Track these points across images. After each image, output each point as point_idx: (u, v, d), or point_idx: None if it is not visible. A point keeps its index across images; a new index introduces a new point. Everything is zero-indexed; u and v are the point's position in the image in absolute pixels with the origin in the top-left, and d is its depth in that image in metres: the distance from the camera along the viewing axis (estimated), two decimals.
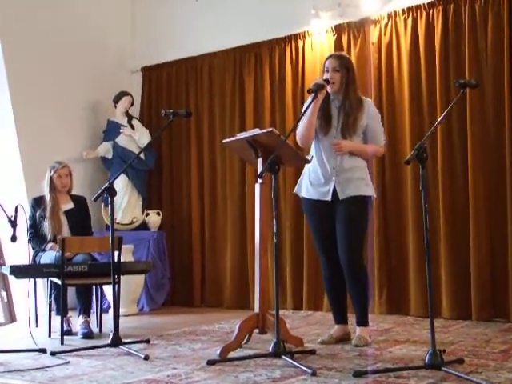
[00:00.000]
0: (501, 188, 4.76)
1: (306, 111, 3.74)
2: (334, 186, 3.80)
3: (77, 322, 4.50)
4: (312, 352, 3.50)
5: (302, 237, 5.56)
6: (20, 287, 4.88)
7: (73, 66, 6.21)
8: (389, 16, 5.29)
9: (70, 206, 4.83)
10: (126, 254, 5.41)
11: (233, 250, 5.99)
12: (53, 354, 3.65)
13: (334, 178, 3.81)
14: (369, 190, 3.87)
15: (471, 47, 4.89)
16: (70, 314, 4.66)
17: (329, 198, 3.82)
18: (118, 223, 6.01)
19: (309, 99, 3.77)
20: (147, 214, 6.23)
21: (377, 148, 3.95)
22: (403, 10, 5.21)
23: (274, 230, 3.38)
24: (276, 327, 3.30)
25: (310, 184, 3.90)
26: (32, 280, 4.54)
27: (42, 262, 4.53)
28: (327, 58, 3.90)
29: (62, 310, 4.32)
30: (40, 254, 4.61)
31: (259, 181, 3.67)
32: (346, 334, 3.91)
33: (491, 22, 4.82)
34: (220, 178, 6.15)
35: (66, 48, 6.17)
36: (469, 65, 4.88)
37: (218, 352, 3.48)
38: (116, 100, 6.32)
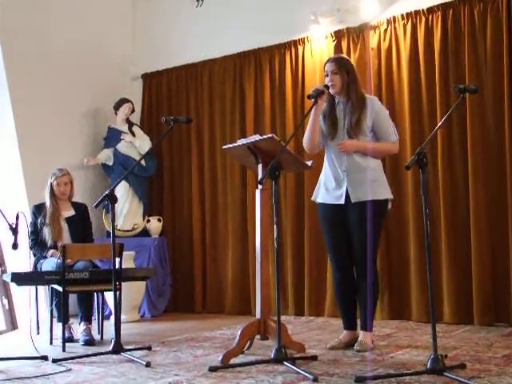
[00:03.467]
0: (501, 192, 4.76)
1: (305, 117, 3.76)
2: (347, 189, 3.80)
3: (78, 328, 4.50)
4: (314, 358, 3.50)
5: (303, 242, 5.56)
6: (21, 294, 4.88)
7: (74, 74, 6.22)
8: (388, 21, 5.30)
9: (71, 212, 4.84)
10: (128, 261, 5.41)
11: (234, 255, 5.99)
12: (54, 361, 3.64)
13: (345, 181, 3.80)
14: (383, 192, 3.82)
15: (470, 52, 4.90)
16: (71, 320, 4.65)
17: (342, 202, 3.81)
18: (119, 230, 6.01)
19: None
20: (148, 221, 6.23)
21: (387, 145, 3.87)
22: (402, 16, 5.22)
23: (275, 236, 3.38)
24: (277, 333, 3.30)
25: (325, 189, 3.90)
26: (33, 287, 4.54)
27: (43, 269, 4.53)
28: (326, 62, 3.92)
29: (64, 317, 4.32)
30: (41, 261, 4.61)
31: (260, 187, 3.67)
32: (355, 338, 3.89)
33: (490, 27, 4.83)
34: (221, 184, 6.16)
35: (67, 55, 6.18)
36: (468, 70, 4.89)
37: (220, 358, 3.47)
38: (116, 107, 6.33)
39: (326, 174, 3.93)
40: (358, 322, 3.93)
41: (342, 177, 3.82)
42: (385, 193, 3.84)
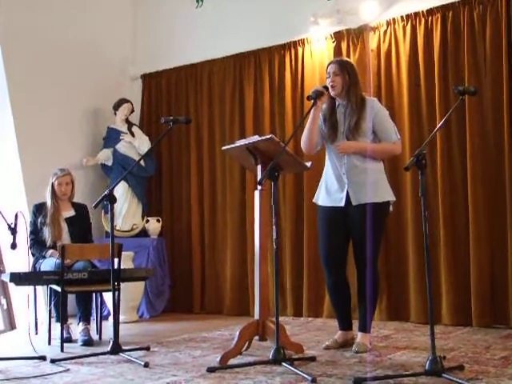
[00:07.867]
0: (500, 193, 4.76)
1: (305, 118, 3.76)
2: (347, 191, 3.80)
3: (77, 329, 4.50)
4: (312, 359, 3.50)
5: (302, 243, 5.56)
6: (20, 294, 4.88)
7: (73, 74, 6.22)
8: (388, 23, 5.31)
9: (71, 213, 4.84)
10: (126, 261, 5.41)
11: (233, 256, 5.99)
12: (52, 361, 3.65)
13: (346, 183, 3.80)
14: (385, 194, 3.82)
15: (470, 54, 4.90)
16: (69, 321, 4.65)
17: (342, 204, 3.80)
18: (118, 230, 6.01)
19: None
20: (147, 221, 6.23)
21: (388, 146, 3.85)
22: (402, 17, 5.23)
23: (274, 237, 3.38)
24: (276, 334, 3.30)
25: (326, 192, 3.90)
26: (32, 287, 4.53)
27: (41, 269, 4.52)
28: (329, 64, 3.93)
29: (62, 317, 4.32)
30: (40, 261, 4.61)
31: (259, 187, 3.68)
32: (350, 339, 3.91)
33: (490, 29, 4.84)
34: (220, 185, 6.16)
35: (67, 55, 6.18)
36: (467, 71, 4.89)
37: (218, 359, 3.47)
38: (116, 107, 6.33)
39: (327, 176, 3.93)
40: (354, 322, 3.94)
41: (344, 179, 3.82)
42: (386, 195, 3.84)
